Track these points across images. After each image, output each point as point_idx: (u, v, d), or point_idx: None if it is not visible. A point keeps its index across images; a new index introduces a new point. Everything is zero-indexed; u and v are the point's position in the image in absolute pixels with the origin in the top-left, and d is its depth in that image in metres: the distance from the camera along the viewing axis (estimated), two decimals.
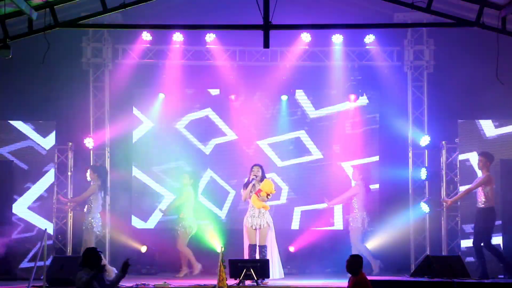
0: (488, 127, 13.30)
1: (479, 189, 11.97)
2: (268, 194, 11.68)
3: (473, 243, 12.07)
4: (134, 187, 14.05)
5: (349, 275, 8.76)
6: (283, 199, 14.12)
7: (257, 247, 11.68)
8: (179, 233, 12.90)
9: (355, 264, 8.68)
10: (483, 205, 11.91)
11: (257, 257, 11.58)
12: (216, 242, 13.21)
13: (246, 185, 11.86)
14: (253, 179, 11.76)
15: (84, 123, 13.68)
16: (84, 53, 13.71)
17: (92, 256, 8.61)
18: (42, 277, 10.88)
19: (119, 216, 13.67)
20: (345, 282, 10.64)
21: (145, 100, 14.18)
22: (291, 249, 13.74)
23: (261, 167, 11.92)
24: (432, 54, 13.68)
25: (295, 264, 13.55)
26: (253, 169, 11.86)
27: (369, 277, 8.88)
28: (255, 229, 11.72)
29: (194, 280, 11.72)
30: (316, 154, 14.18)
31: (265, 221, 11.74)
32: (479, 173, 12.25)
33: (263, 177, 11.83)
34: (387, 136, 13.88)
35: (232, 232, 13.36)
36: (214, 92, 14.15)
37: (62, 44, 12.58)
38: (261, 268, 10.96)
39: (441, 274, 10.92)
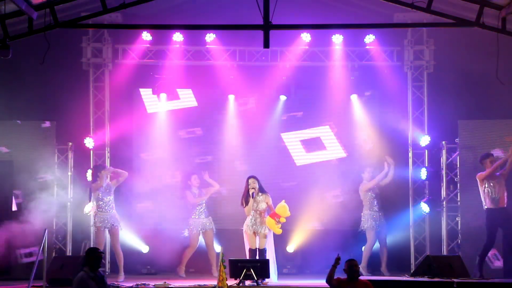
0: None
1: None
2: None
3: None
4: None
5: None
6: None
7: (257, 251, 11.67)
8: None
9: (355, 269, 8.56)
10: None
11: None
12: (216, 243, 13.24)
13: (245, 200, 11.77)
14: (253, 193, 11.68)
15: (84, 123, 13.68)
16: (84, 53, 13.72)
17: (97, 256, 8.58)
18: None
19: (119, 216, 13.64)
20: None
21: (145, 100, 14.17)
22: (290, 249, 13.73)
23: (256, 178, 11.79)
24: (432, 54, 13.69)
25: (295, 264, 13.55)
26: (249, 182, 11.76)
27: (371, 277, 8.82)
28: (256, 235, 11.72)
29: (194, 280, 11.72)
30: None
31: (266, 228, 11.69)
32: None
33: (260, 188, 11.74)
34: (387, 136, 13.87)
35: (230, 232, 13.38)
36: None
37: (62, 44, 12.58)
38: (261, 268, 10.97)
39: (441, 274, 10.92)
